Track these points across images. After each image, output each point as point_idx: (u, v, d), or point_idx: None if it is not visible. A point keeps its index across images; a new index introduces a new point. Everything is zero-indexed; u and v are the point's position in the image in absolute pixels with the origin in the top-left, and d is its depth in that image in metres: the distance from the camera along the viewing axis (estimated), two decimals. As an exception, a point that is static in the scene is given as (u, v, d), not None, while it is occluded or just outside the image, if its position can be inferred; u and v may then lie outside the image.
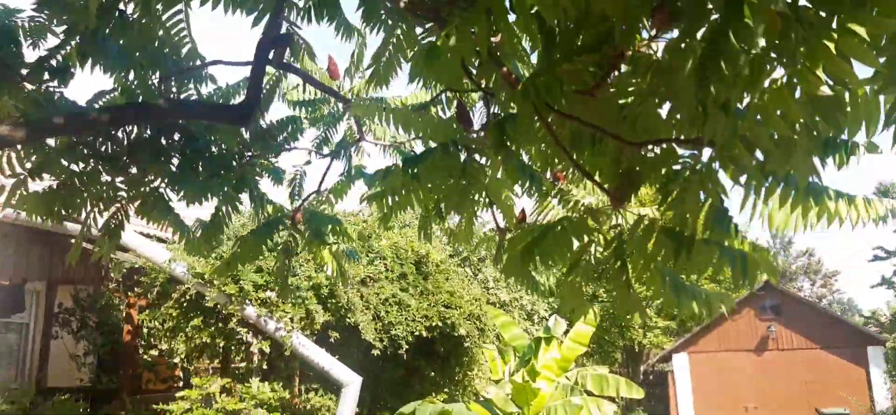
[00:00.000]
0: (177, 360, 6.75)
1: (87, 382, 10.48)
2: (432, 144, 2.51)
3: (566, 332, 13.39)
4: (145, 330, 7.35)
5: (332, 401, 6.90)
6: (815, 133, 1.53)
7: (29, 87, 2.67)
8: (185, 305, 6.70)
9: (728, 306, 2.52)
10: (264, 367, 6.70)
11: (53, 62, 2.71)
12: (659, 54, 1.64)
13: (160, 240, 7.17)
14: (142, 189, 3.40)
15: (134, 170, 3.27)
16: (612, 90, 1.76)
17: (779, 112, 1.43)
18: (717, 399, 19.05)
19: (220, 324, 6.69)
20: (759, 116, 1.49)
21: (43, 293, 11.51)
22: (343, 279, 4.30)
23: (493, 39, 1.91)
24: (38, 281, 11.34)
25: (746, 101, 1.50)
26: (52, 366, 11.84)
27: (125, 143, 3.17)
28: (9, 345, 12.06)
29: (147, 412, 6.04)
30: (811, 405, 18.21)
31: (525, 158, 2.55)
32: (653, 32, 1.61)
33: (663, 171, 1.91)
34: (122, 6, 2.73)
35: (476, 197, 2.66)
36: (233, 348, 6.72)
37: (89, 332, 11.00)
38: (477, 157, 2.53)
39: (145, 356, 9.08)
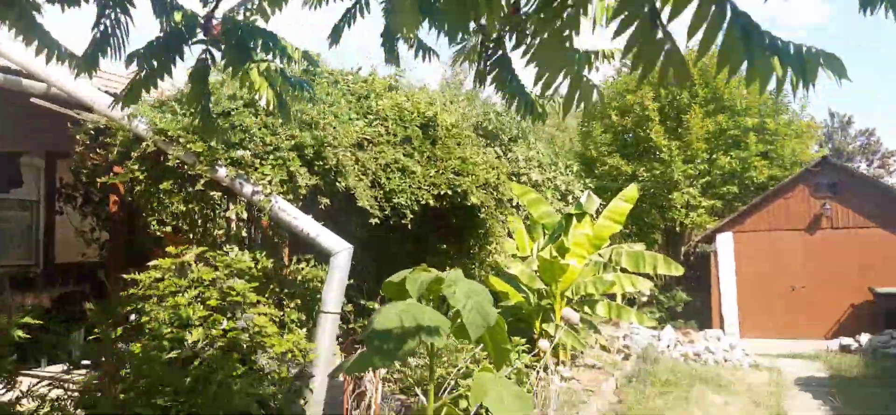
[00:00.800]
0: (154, 228, 6.04)
1: (97, 258, 10.11)
2: None
3: (600, 211, 12.45)
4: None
5: (325, 272, 6.17)
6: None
7: None
8: (150, 166, 5.93)
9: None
10: (244, 235, 5.96)
11: None
12: None
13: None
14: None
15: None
16: None
17: None
18: (763, 280, 18.05)
19: (190, 187, 5.93)
20: None
21: (42, 169, 11.03)
22: (285, 115, 3.38)
23: None
24: (37, 156, 10.85)
25: None
26: (60, 244, 11.53)
27: None
28: (21, 224, 11.74)
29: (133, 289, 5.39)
30: (864, 286, 17.09)
31: None
32: None
33: None
34: None
35: None
36: (209, 215, 5.98)
37: (94, 207, 10.54)
38: None
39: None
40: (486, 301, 4.14)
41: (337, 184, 6.27)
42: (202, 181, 5.86)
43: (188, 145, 5.80)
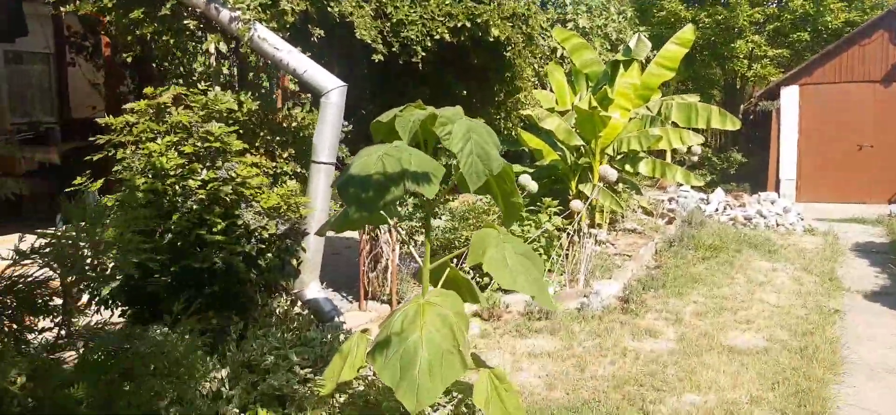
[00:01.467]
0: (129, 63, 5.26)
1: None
2: None
3: (650, 59, 11.15)
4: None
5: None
6: None
7: None
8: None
9: None
10: (226, 71, 5.12)
11: None
12: None
13: None
14: None
15: None
16: None
17: None
18: (828, 138, 16.54)
19: (164, 12, 5.06)
20: None
21: (49, 17, 10.28)
22: None
23: None
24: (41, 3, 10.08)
25: None
26: (74, 97, 10.99)
27: None
28: (38, 78, 11.21)
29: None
30: (945, 145, 15.53)
31: None
32: None
33: None
34: None
35: None
36: (185, 47, 5.13)
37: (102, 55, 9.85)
38: None
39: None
40: (489, 142, 3.27)
41: (329, 9, 5.30)
42: (169, 3, 4.97)
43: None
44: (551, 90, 11.33)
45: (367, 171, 3.05)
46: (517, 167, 10.70)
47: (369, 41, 5.52)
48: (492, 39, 6.22)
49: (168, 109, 4.95)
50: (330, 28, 5.58)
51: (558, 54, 12.78)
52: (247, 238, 4.67)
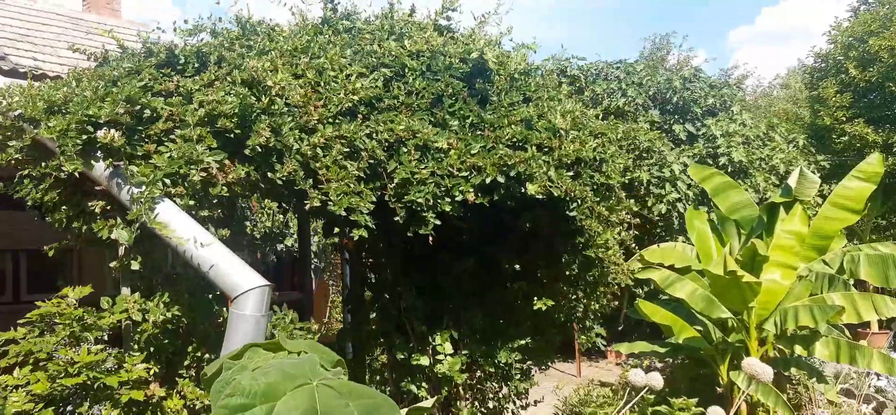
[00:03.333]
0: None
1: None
2: None
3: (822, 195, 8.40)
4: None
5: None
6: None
7: None
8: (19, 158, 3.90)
9: None
10: (134, 267, 3.68)
11: None
12: None
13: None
14: None
15: None
16: None
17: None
18: None
19: (68, 188, 3.82)
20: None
21: None
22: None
23: None
24: None
25: None
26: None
27: None
28: None
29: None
30: None
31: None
32: None
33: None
34: None
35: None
36: (91, 235, 3.81)
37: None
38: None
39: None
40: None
41: (274, 173, 3.76)
42: (61, 179, 3.72)
43: (48, 122, 3.67)
44: (690, 242, 8.94)
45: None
46: (641, 345, 8.28)
47: (343, 214, 3.85)
48: (542, 196, 4.31)
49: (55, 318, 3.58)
50: (296, 196, 4.02)
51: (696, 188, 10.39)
52: None
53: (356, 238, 3.99)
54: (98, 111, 3.63)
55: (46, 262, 4.41)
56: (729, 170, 12.86)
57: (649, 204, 12.18)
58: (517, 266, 5.24)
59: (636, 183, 12.18)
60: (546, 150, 4.57)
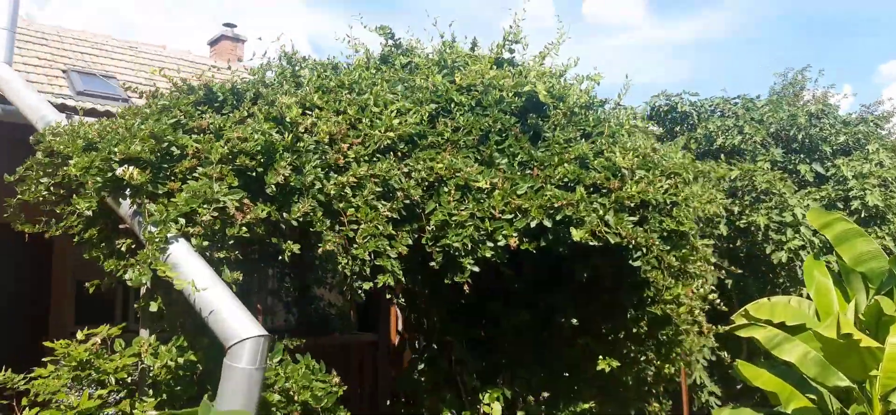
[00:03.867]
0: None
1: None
2: None
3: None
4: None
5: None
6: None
7: None
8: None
9: None
10: (154, 309, 3.56)
11: None
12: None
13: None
14: None
15: None
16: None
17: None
18: None
19: (106, 226, 3.80)
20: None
21: None
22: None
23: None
24: None
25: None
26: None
27: None
28: None
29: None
30: None
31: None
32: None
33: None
34: None
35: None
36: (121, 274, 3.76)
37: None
38: None
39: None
40: None
41: (289, 215, 3.53)
42: (84, 216, 3.70)
43: (74, 157, 3.69)
44: (808, 296, 7.88)
45: None
46: (746, 413, 7.30)
47: (344, 266, 3.56)
48: (595, 243, 3.81)
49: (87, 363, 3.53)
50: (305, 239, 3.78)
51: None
52: None
53: (380, 285, 3.68)
54: (125, 148, 3.59)
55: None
56: (862, 215, 11.43)
57: (768, 251, 11.04)
58: (575, 320, 4.69)
59: (753, 227, 11.10)
60: (605, 191, 4.06)
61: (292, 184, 3.57)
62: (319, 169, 3.71)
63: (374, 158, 4.08)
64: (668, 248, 4.19)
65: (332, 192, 3.71)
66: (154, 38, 10.11)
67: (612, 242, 3.89)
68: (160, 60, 10.15)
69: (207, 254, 3.45)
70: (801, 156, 13.18)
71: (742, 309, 7.32)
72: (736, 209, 12.06)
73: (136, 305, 3.68)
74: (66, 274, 6.85)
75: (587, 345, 4.65)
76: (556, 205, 3.83)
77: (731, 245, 11.58)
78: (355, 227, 3.75)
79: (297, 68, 4.81)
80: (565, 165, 4.10)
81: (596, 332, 4.75)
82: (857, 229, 7.32)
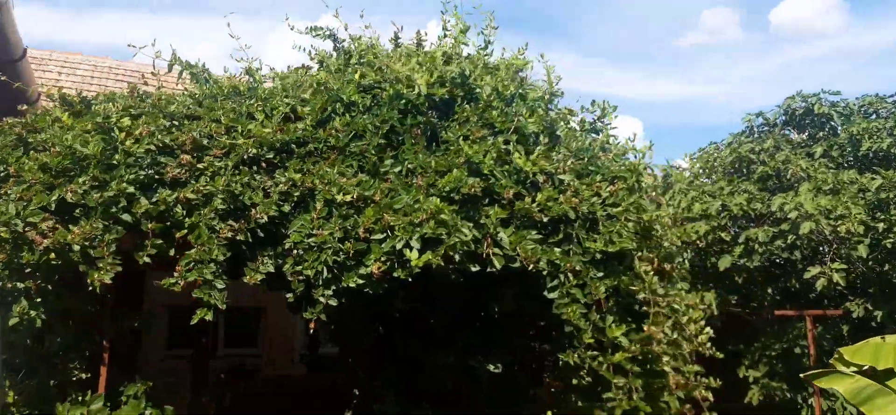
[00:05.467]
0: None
1: None
2: None
3: None
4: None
5: None
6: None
7: None
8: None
9: None
10: None
11: None
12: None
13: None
14: None
15: None
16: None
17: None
18: None
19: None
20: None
21: None
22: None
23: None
24: None
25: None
26: None
27: None
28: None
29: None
30: None
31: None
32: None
33: None
34: None
35: None
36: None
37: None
38: None
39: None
40: None
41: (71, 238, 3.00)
42: None
43: None
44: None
45: None
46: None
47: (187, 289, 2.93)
48: (476, 269, 2.86)
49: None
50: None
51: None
52: None
53: (194, 321, 3.03)
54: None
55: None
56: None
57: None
58: (492, 367, 3.64)
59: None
60: (504, 202, 3.09)
61: (87, 202, 3.05)
62: (133, 185, 3.16)
63: (240, 169, 3.47)
64: (603, 274, 3.09)
65: (153, 212, 3.14)
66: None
67: (498, 265, 2.92)
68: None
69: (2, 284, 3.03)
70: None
71: (836, 353, 5.67)
72: (880, 226, 9.87)
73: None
74: None
75: (513, 398, 3.60)
76: (415, 221, 2.95)
77: (878, 269, 9.48)
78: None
79: (200, 81, 4.35)
80: (455, 171, 3.19)
81: (514, 382, 3.68)
82: None
